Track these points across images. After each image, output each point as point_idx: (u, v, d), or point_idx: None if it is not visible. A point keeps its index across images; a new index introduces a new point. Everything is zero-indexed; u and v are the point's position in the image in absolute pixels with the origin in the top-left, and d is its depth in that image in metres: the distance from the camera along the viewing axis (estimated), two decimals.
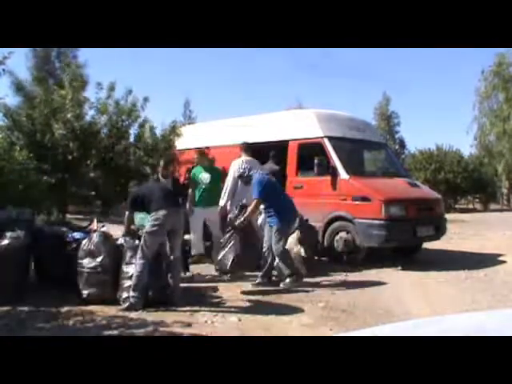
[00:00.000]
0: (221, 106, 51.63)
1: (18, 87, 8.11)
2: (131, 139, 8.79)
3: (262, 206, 6.07)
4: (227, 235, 5.74)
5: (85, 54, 16.17)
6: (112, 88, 8.42)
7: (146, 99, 8.75)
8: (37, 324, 4.16)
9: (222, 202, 6.87)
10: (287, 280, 5.74)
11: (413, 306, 4.98)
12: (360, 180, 7.67)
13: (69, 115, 7.68)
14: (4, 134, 7.45)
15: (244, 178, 6.13)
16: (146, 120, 8.83)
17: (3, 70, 5.61)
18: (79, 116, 7.91)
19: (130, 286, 4.73)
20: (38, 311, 4.56)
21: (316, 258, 7.43)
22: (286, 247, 6.01)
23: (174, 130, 9.25)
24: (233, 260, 5.57)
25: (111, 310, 4.63)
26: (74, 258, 5.01)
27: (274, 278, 6.04)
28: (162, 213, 4.83)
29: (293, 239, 6.47)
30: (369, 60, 62.24)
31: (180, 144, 9.08)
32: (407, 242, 7.66)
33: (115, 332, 3.92)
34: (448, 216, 9.30)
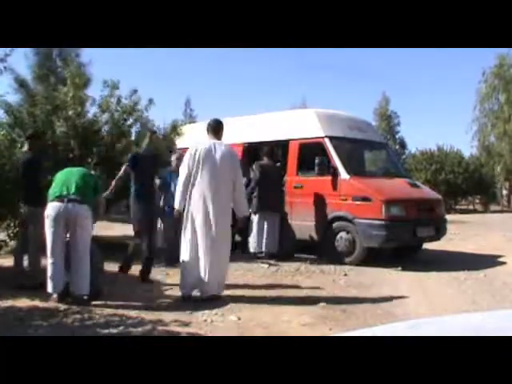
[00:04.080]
0: (222, 104, 51.74)
1: (20, 84, 8.11)
2: (133, 138, 8.77)
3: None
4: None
5: (87, 53, 16.26)
6: (115, 86, 8.38)
7: (150, 101, 8.67)
8: (35, 322, 4.15)
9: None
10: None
11: (412, 306, 4.98)
12: (360, 180, 7.67)
13: (70, 112, 7.67)
14: (5, 131, 7.44)
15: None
16: (147, 121, 8.78)
17: (4, 67, 5.58)
18: (80, 114, 7.91)
19: None
20: (36, 308, 4.56)
21: (315, 257, 7.45)
22: None
23: (174, 129, 9.25)
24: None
25: (110, 309, 4.63)
26: None
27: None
28: None
29: None
30: (369, 60, 62.31)
31: (180, 143, 9.06)
32: (407, 242, 7.66)
33: (113, 331, 3.91)
34: (448, 217, 9.30)
